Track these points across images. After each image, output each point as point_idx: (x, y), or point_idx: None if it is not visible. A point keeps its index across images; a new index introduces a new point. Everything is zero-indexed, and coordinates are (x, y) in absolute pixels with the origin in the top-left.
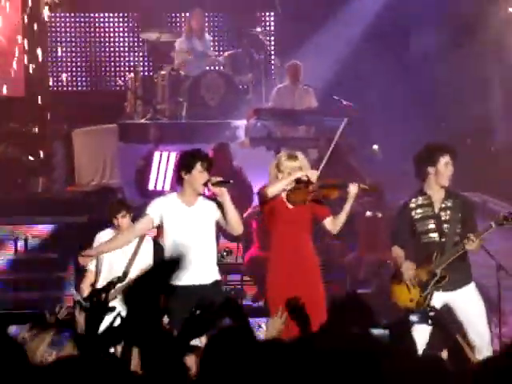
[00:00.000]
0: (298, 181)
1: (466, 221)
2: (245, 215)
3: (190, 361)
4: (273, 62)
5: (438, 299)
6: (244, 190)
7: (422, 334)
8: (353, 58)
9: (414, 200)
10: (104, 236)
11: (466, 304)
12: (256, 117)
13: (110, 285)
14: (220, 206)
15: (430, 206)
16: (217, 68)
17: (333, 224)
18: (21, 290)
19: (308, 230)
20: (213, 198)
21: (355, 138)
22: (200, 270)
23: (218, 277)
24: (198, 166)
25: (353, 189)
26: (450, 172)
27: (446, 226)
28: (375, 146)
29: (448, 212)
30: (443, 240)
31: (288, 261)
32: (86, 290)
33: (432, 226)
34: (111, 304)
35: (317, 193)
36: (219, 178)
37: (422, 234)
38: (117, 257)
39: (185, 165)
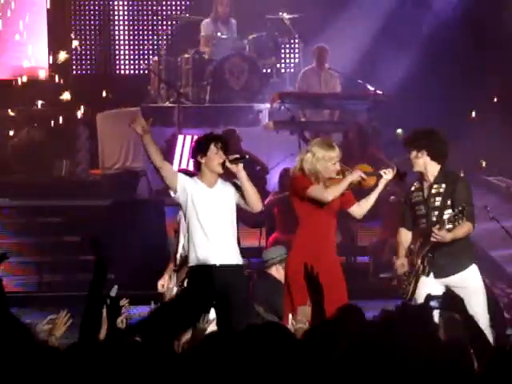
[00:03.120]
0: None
1: (455, 200)
2: (266, 202)
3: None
4: (296, 45)
5: (435, 287)
6: (254, 172)
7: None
8: (377, 42)
9: (415, 183)
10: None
11: (463, 290)
12: (280, 100)
13: None
14: (238, 187)
15: (421, 190)
16: (241, 52)
17: (359, 209)
18: (45, 273)
19: (336, 217)
20: (231, 180)
21: (379, 122)
22: (222, 250)
23: (240, 260)
24: (213, 147)
25: (388, 174)
26: (412, 159)
27: (434, 213)
28: (399, 130)
29: (437, 198)
30: (431, 227)
31: (315, 247)
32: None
33: (422, 212)
34: None
35: (357, 182)
36: (235, 156)
37: (416, 219)
38: None
39: (199, 148)
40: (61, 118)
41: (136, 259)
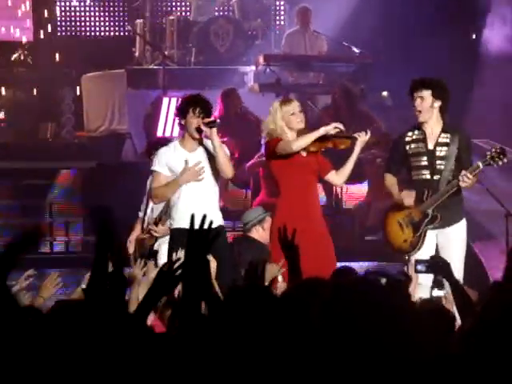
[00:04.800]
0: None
1: (461, 157)
2: (251, 162)
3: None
4: (282, 7)
5: (432, 239)
6: (253, 130)
7: (424, 284)
8: (363, 3)
9: (409, 133)
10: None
11: (450, 243)
12: (265, 62)
13: None
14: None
15: (424, 141)
16: (226, 13)
17: (338, 176)
18: None
19: (317, 179)
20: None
21: (365, 85)
22: (203, 213)
23: (221, 222)
24: (191, 112)
25: (362, 137)
26: (418, 107)
27: (439, 162)
28: (385, 93)
29: (444, 148)
30: (435, 178)
31: (298, 207)
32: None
33: (424, 163)
34: None
35: (330, 143)
36: (210, 119)
37: (414, 170)
38: None
39: (180, 111)
40: (45, 80)
41: (120, 222)
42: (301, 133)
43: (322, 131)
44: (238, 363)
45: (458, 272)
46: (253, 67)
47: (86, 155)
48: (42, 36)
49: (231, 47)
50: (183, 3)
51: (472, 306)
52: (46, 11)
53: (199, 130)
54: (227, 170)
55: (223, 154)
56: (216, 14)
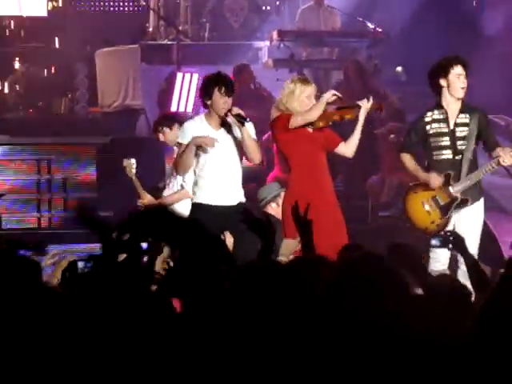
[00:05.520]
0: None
1: (484, 135)
2: (265, 136)
3: None
4: None
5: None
6: (265, 106)
7: (441, 258)
8: None
9: (429, 113)
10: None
11: (468, 222)
12: (279, 38)
13: None
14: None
15: (445, 121)
16: None
17: (347, 147)
18: (43, 211)
19: (325, 153)
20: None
21: (379, 60)
22: (227, 191)
23: (243, 199)
24: (217, 92)
25: (364, 104)
26: (463, 84)
27: (460, 142)
28: (399, 68)
29: (464, 128)
30: (457, 158)
31: (308, 181)
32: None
33: (446, 143)
34: None
35: (335, 116)
36: (239, 112)
37: (435, 150)
38: None
39: (205, 92)
40: (59, 55)
41: (134, 197)
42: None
43: (324, 100)
44: (248, 337)
45: (474, 248)
46: (267, 43)
47: (100, 130)
48: (55, 11)
49: (245, 23)
50: None
51: (487, 282)
52: None
53: (226, 114)
54: (255, 156)
55: (252, 142)
56: None
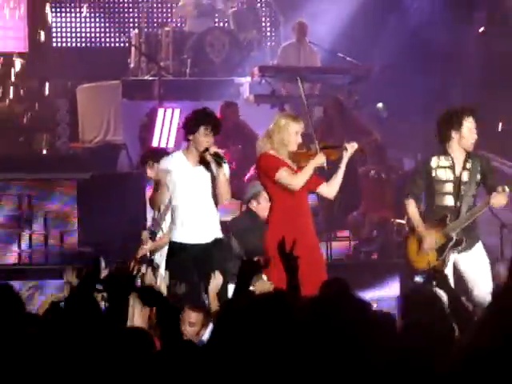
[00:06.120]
0: (299, 146)
1: (487, 180)
2: (250, 174)
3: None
4: (278, 18)
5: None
6: (249, 142)
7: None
8: (359, 15)
9: (435, 159)
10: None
11: (473, 264)
12: (260, 74)
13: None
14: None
15: (452, 168)
16: (221, 24)
17: (329, 188)
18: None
19: (307, 193)
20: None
21: (360, 96)
22: (203, 229)
23: (219, 235)
24: (202, 130)
25: (349, 148)
26: (475, 137)
27: (463, 188)
28: (380, 104)
29: (468, 174)
30: (458, 204)
31: (289, 219)
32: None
33: (450, 189)
34: None
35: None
36: (217, 151)
37: (438, 196)
38: None
39: (190, 127)
40: (40, 91)
41: (115, 232)
42: (294, 151)
43: (313, 165)
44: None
45: (488, 287)
46: (248, 78)
47: (80, 166)
48: (37, 47)
49: (226, 58)
50: (177, 10)
51: (470, 319)
52: (40, 22)
53: (204, 152)
54: (226, 196)
55: (225, 181)
56: (211, 24)
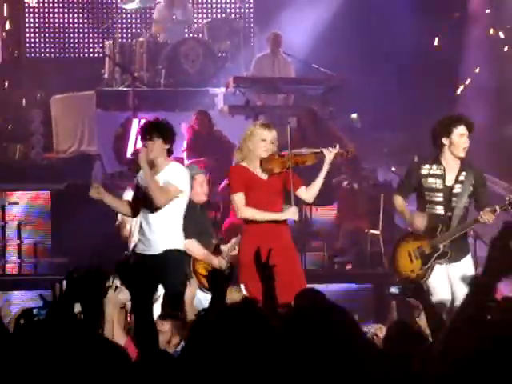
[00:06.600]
0: (271, 153)
1: (478, 193)
2: (223, 184)
3: (166, 328)
4: (252, 29)
5: (435, 271)
6: (225, 152)
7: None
8: (332, 25)
9: (427, 167)
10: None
11: (458, 276)
12: (235, 85)
13: None
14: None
15: (442, 178)
16: (195, 35)
17: (308, 193)
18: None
19: (281, 200)
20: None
21: (334, 107)
22: (152, 240)
23: (168, 246)
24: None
25: (328, 154)
26: (466, 144)
27: (454, 199)
28: (354, 115)
29: (460, 185)
30: (449, 214)
31: (262, 231)
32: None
33: (440, 199)
34: None
35: (291, 161)
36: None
37: (428, 204)
38: None
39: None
40: (13, 101)
41: (90, 242)
42: (267, 159)
43: (275, 217)
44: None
45: None
46: (222, 89)
47: (55, 176)
48: (10, 57)
49: (201, 69)
50: (153, 25)
51: (443, 326)
52: (14, 32)
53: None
54: (157, 199)
55: (152, 183)
56: (186, 35)
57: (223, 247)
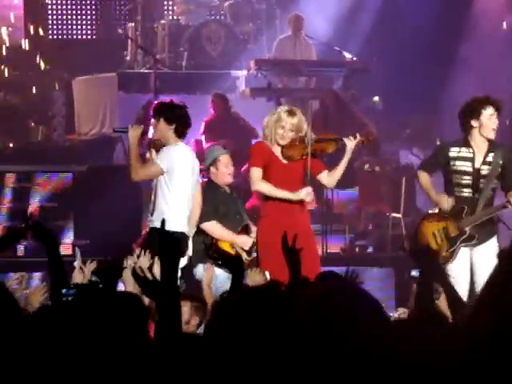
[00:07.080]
0: (292, 139)
1: (505, 173)
2: (243, 168)
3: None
4: (275, 12)
5: (459, 255)
6: (244, 134)
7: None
8: (355, 8)
9: (455, 149)
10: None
11: (485, 258)
12: (257, 67)
13: None
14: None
15: (471, 160)
16: (218, 17)
17: (329, 178)
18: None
19: (301, 185)
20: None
21: (356, 89)
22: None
23: (153, 224)
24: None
25: (349, 143)
26: (495, 124)
27: (482, 181)
28: (376, 98)
29: (488, 167)
30: (476, 196)
31: (282, 216)
32: None
33: (468, 181)
34: None
35: (312, 148)
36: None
37: (456, 187)
38: None
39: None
40: (37, 83)
41: (112, 224)
42: (287, 146)
43: (290, 196)
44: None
45: None
46: (244, 72)
47: (77, 158)
48: (33, 39)
49: (223, 51)
50: (175, 7)
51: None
52: (37, 15)
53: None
54: (131, 172)
55: (130, 157)
56: (208, 17)
57: (253, 227)
